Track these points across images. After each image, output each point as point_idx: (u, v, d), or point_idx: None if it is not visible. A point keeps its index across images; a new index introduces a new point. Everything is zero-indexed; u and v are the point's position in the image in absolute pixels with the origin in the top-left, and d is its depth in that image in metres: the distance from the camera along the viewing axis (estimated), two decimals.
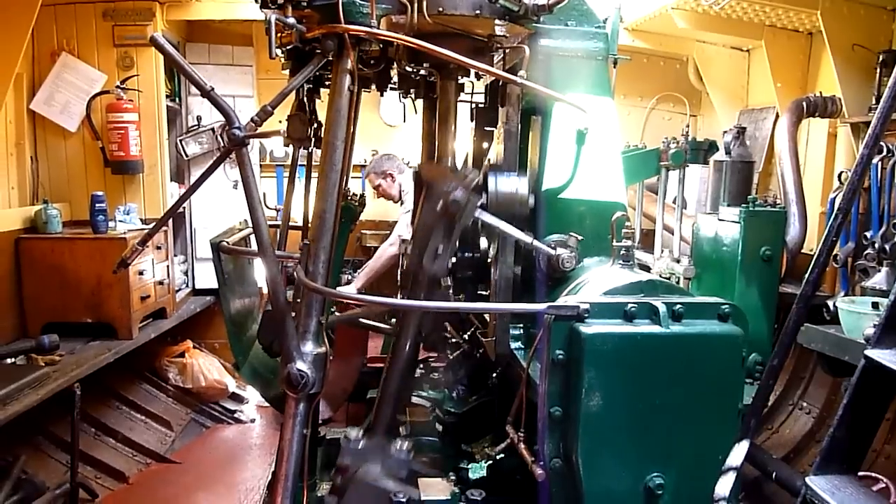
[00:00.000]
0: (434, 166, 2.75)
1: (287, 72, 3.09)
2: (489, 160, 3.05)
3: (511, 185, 2.59)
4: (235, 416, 6.19)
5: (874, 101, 4.41)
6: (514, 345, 2.89)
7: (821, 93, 4.87)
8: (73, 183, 5.59)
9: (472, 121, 3.81)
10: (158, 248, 5.52)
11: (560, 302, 2.33)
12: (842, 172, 4.70)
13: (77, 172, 5.61)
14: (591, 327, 2.23)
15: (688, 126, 6.46)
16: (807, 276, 1.64)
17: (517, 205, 2.58)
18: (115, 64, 5.55)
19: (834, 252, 4.60)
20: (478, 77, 3.35)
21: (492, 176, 2.61)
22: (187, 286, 6.50)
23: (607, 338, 2.23)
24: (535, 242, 2.61)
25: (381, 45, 2.68)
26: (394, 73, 3.44)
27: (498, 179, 2.60)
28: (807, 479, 1.65)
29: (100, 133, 5.50)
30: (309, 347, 2.42)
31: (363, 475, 2.57)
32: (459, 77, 2.94)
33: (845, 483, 1.65)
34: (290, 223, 3.46)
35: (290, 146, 3.33)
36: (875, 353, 1.60)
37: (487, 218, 2.50)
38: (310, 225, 2.51)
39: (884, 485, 2.94)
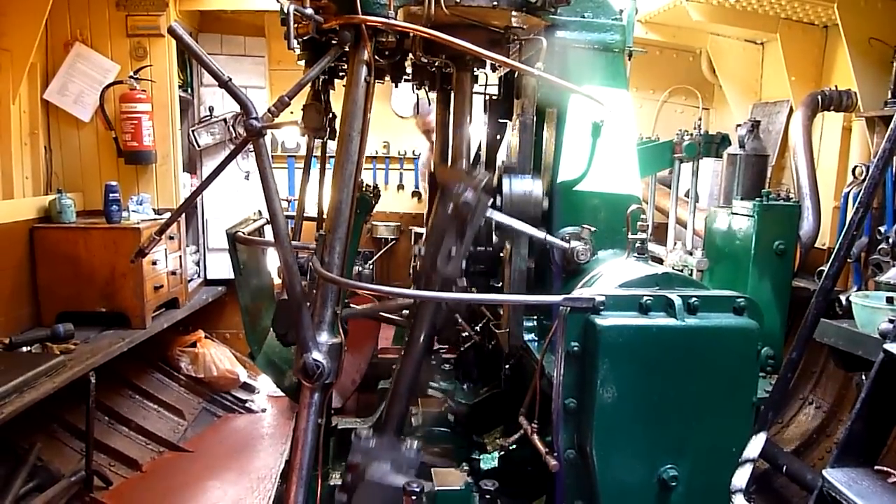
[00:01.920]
0: (449, 169, 2.74)
1: (302, 63, 3.09)
2: (503, 161, 3.04)
3: (525, 186, 2.60)
4: (247, 405, 6.24)
5: (890, 96, 4.38)
6: (527, 336, 2.90)
7: (836, 86, 4.84)
8: (87, 173, 5.63)
9: (485, 112, 3.80)
10: (171, 238, 5.56)
11: (575, 294, 2.33)
12: (856, 167, 4.67)
13: (90, 162, 5.65)
14: (606, 319, 2.23)
15: (700, 119, 6.44)
16: (826, 269, 1.64)
17: (531, 206, 2.59)
18: (128, 54, 5.58)
19: None
20: (493, 69, 3.35)
21: (506, 178, 2.62)
22: (199, 276, 6.54)
23: (623, 330, 2.23)
24: (549, 238, 2.61)
25: (398, 36, 2.67)
26: (407, 65, 3.44)
27: (512, 181, 2.61)
28: (823, 472, 1.65)
29: (113, 123, 5.53)
30: (324, 337, 2.43)
31: (372, 473, 2.53)
32: (475, 68, 2.94)
33: (862, 476, 1.65)
34: (304, 214, 3.46)
35: (305, 136, 3.34)
36: (894, 347, 1.60)
37: (499, 217, 2.50)
38: (325, 216, 2.51)
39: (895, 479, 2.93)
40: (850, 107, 4.78)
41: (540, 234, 2.59)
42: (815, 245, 4.56)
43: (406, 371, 2.79)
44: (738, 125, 5.11)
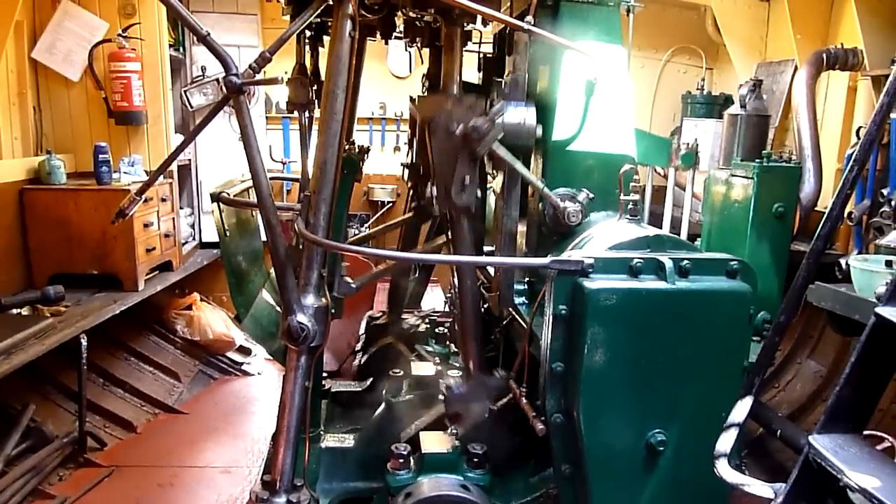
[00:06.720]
0: (432, 100, 2.68)
1: (288, 17, 2.99)
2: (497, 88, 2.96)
3: (519, 115, 2.53)
4: (242, 368, 6.24)
5: None
6: (517, 300, 2.85)
7: (842, 44, 4.70)
8: (77, 133, 5.53)
9: (479, 71, 3.70)
10: (164, 200, 5.50)
11: (564, 256, 2.27)
12: (860, 127, 4.57)
13: (80, 123, 5.54)
14: (594, 282, 2.18)
15: (703, 80, 6.31)
16: (818, 230, 1.58)
17: (524, 135, 2.53)
18: (116, 12, 5.43)
19: (849, 209, 4.52)
20: (485, 24, 3.24)
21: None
22: (194, 239, 6.50)
23: (611, 293, 2.18)
24: (545, 190, 2.56)
25: None
26: (399, 21, 3.33)
27: (507, 109, 2.53)
28: (810, 438, 1.61)
29: (102, 83, 5.42)
30: (310, 300, 2.40)
31: (478, 413, 2.67)
32: (466, 24, 2.83)
33: (849, 442, 1.61)
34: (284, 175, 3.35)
35: (293, 112, 3.28)
36: (887, 311, 1.55)
37: (503, 152, 2.45)
38: (311, 176, 2.44)
39: (889, 444, 2.92)
40: (855, 65, 4.65)
41: (538, 182, 2.55)
42: (816, 208, 4.48)
43: (467, 313, 2.81)
44: (740, 85, 5.00)
